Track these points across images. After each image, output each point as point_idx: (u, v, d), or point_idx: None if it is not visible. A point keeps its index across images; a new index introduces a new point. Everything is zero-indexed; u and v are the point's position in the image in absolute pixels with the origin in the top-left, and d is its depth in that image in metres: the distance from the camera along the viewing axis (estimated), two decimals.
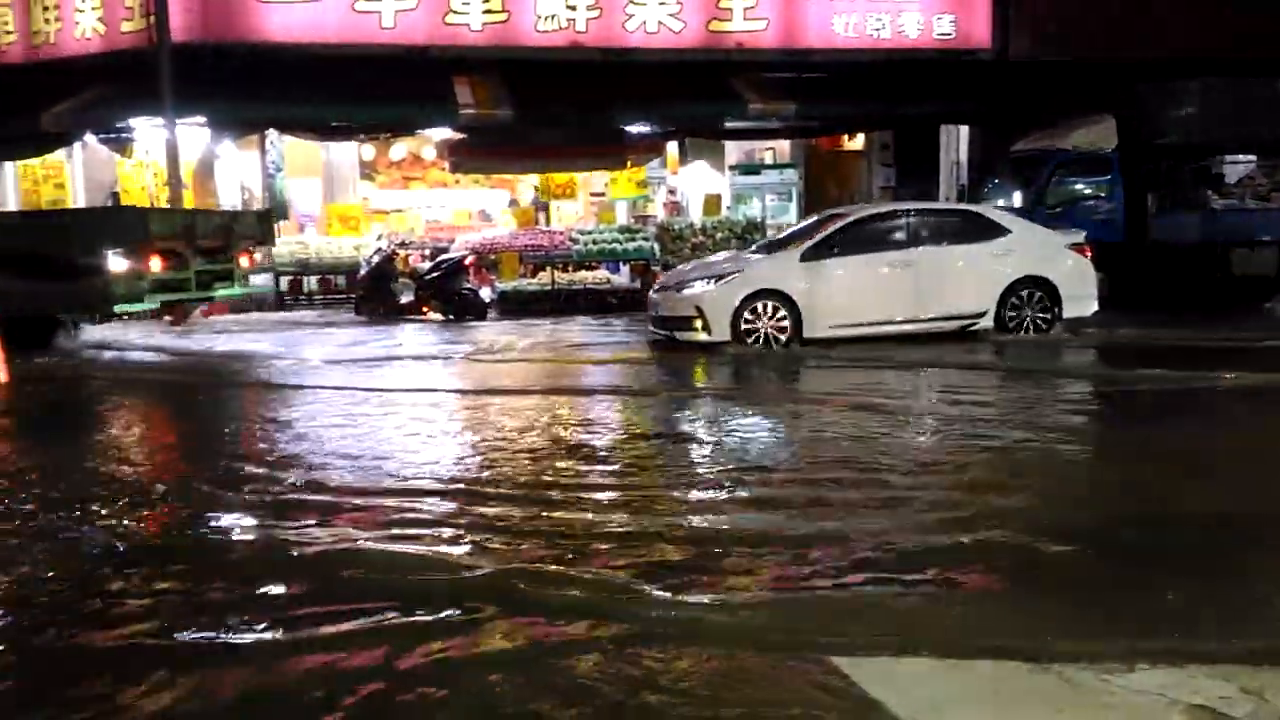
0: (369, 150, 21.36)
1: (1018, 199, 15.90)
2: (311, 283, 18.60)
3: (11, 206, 20.19)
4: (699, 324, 11.00)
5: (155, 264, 11.52)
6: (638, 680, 3.12)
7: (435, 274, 16.11)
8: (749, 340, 10.85)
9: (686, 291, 11.28)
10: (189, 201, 16.91)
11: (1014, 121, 17.90)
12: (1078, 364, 10.33)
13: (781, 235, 12.93)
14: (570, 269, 18.10)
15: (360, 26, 16.38)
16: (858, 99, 17.89)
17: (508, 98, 16.74)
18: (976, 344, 11.11)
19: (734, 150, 20.99)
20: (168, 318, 15.41)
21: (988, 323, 11.33)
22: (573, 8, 16.77)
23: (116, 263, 11.24)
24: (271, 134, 18.13)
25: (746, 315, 10.86)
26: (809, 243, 11.28)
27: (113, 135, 17.68)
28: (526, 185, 22.28)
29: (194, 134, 17.03)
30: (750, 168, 20.56)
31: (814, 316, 10.91)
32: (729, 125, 18.68)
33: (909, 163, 20.18)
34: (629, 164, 19.26)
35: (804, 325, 10.89)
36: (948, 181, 19.41)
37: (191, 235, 12.25)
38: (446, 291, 15.92)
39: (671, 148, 19.69)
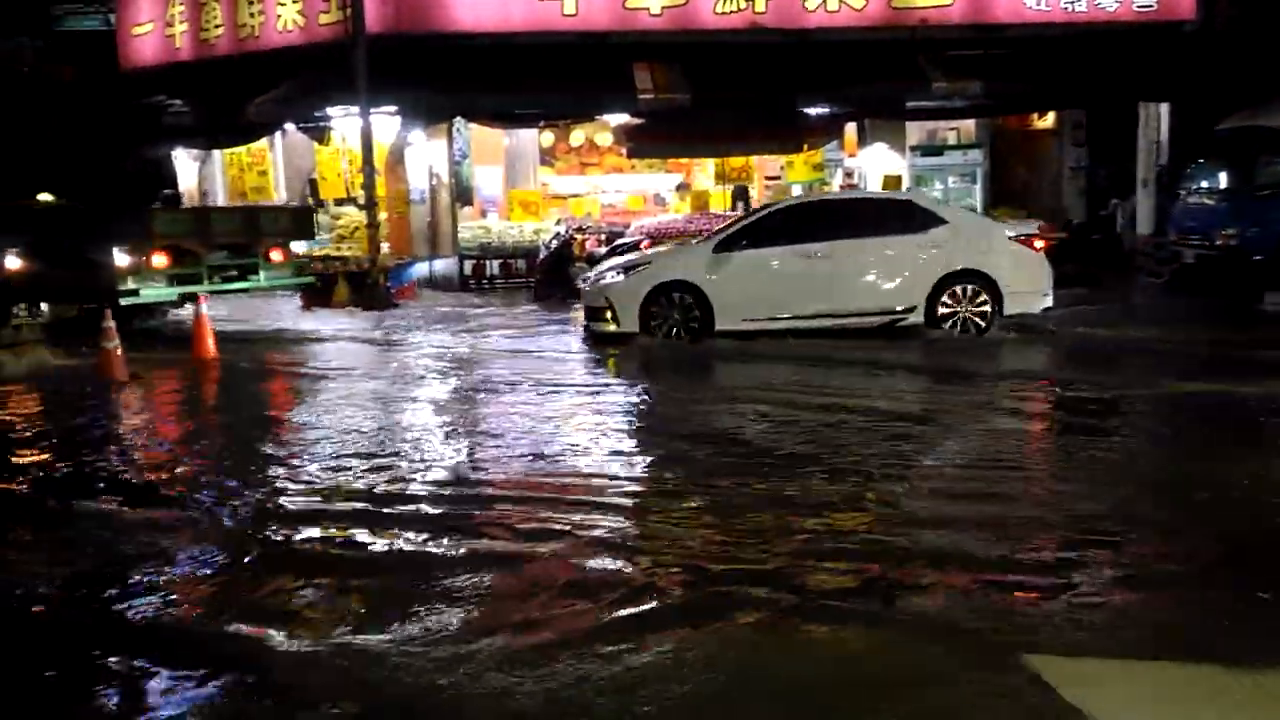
0: (549, 137, 21.82)
1: (1223, 180, 14.94)
2: (493, 266, 19.11)
3: (220, 193, 21.54)
4: (609, 315, 10.93)
5: (160, 259, 12.51)
6: (830, 677, 3.12)
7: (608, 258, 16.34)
8: (658, 332, 10.67)
9: (600, 283, 11.29)
10: (381, 188, 17.63)
11: (1219, 98, 16.79)
12: (972, 364, 9.26)
13: (721, 226, 12.26)
14: None
15: (543, 15, 16.70)
16: (1048, 75, 17.17)
17: (685, 82, 16.79)
18: (894, 340, 10.40)
19: (915, 130, 20.43)
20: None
21: (918, 318, 10.61)
22: None
23: (120, 257, 12.35)
24: (458, 122, 18.71)
25: (655, 307, 10.68)
26: (723, 234, 11.02)
27: (311, 124, 18.58)
28: (701, 169, 22.31)
29: (386, 122, 17.71)
30: (932, 148, 20.01)
31: (725, 309, 10.61)
32: (911, 105, 18.22)
33: (1103, 142, 19.24)
34: (806, 146, 19.04)
35: (715, 318, 10.61)
36: (1145, 163, 18.40)
37: (206, 233, 13.20)
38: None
39: (850, 129, 19.36)
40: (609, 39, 16.80)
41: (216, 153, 21.12)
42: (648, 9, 16.69)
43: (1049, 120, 20.38)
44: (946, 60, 16.98)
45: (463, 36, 16.72)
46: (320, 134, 18.88)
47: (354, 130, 17.49)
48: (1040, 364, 9.69)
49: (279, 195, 21.77)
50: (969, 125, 20.21)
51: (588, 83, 16.80)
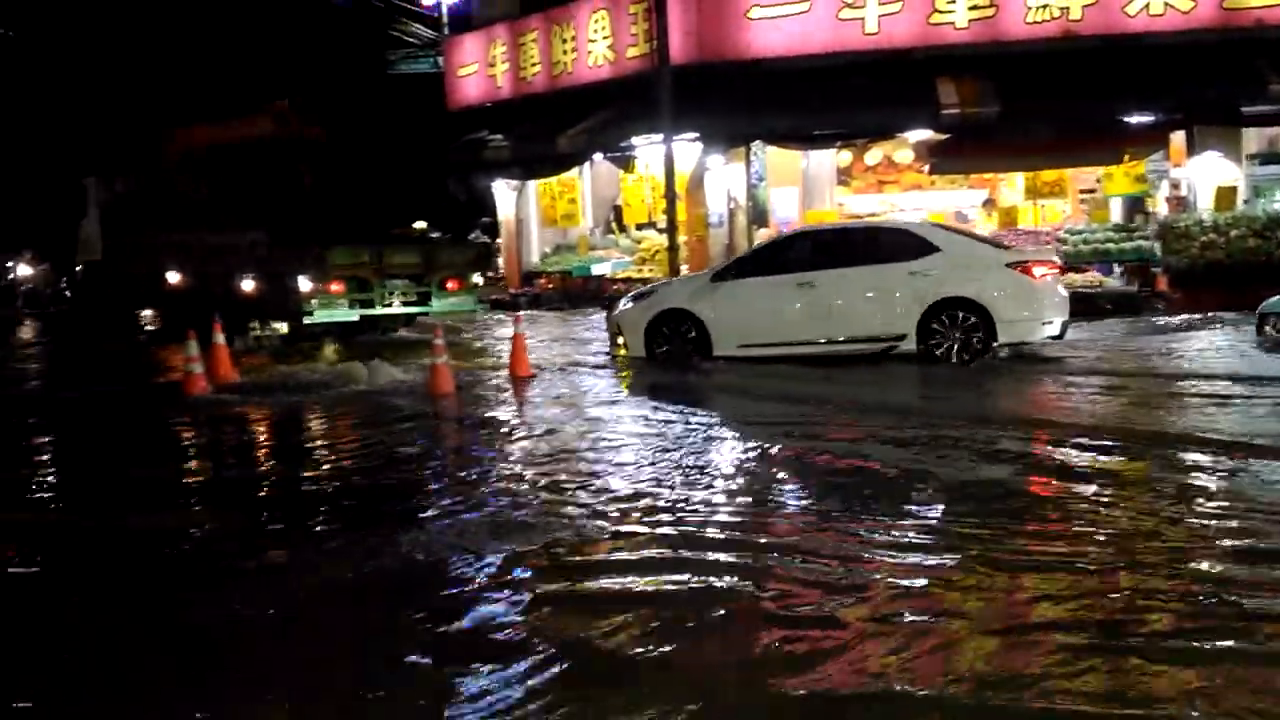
0: (845, 156, 21.65)
1: None
2: None
3: (533, 221, 22.87)
4: (620, 340, 11.64)
5: (336, 287, 15.02)
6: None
7: None
8: (661, 357, 11.13)
9: (615, 310, 12.11)
10: (681, 212, 18.16)
11: None
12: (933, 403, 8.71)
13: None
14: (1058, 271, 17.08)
15: (843, 35, 16.68)
16: None
17: (993, 94, 16.23)
18: (874, 368, 10.25)
19: (1253, 138, 18.68)
20: None
21: (909, 346, 10.43)
22: None
23: (304, 284, 15.07)
24: (756, 145, 18.97)
25: (662, 332, 11.17)
26: (722, 265, 11.56)
27: (617, 153, 19.43)
28: (1008, 184, 21.39)
29: (687, 149, 18.24)
30: (1273, 156, 18.20)
31: (722, 336, 10.91)
32: (1247, 111, 16.70)
33: None
34: (1126, 157, 17.82)
35: (712, 344, 10.93)
36: None
37: (380, 265, 15.38)
38: None
39: (1176, 138, 17.95)
40: (911, 55, 16.54)
41: (531, 183, 22.48)
42: (952, 23, 16.30)
43: None
44: None
45: (761, 62, 16.98)
46: (625, 162, 19.70)
47: (657, 158, 18.13)
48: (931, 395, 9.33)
49: (585, 222, 22.90)
50: None
51: (888, 100, 16.60)
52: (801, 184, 21.61)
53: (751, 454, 6.57)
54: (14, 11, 36.47)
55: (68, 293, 25.81)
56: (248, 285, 16.16)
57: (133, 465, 7.23)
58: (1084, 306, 16.18)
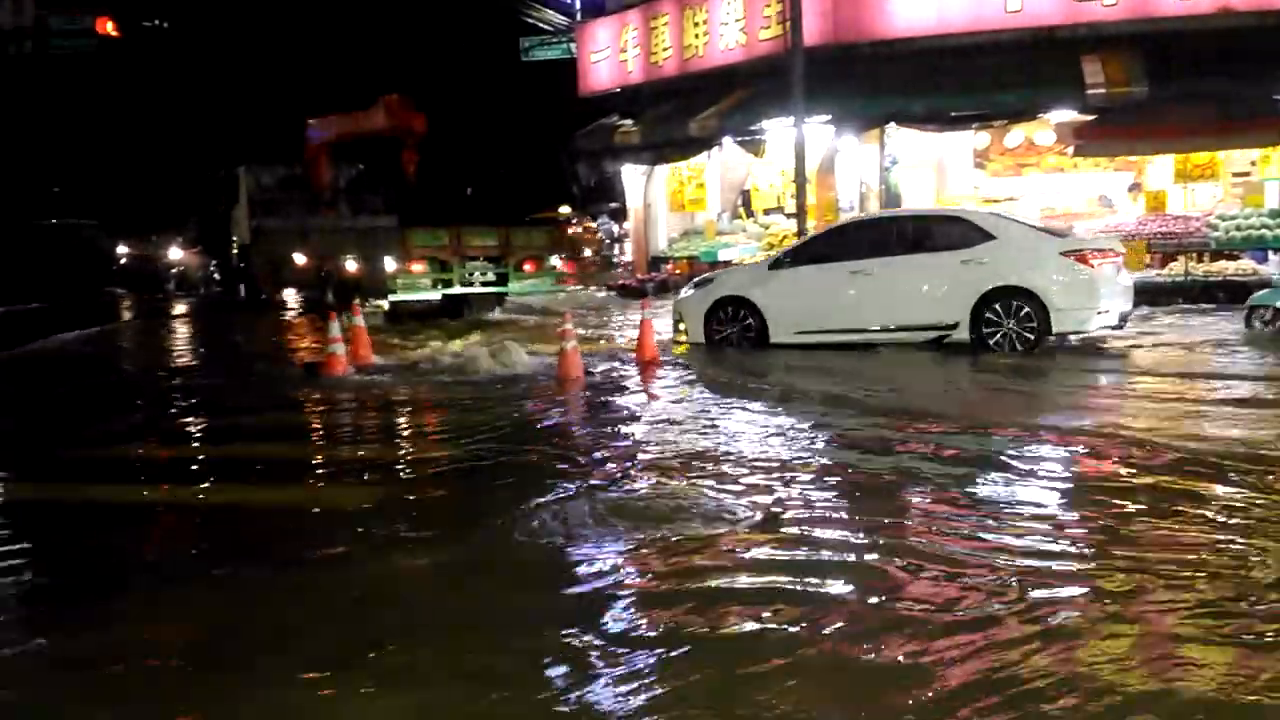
0: (983, 138, 21.06)
1: None
2: None
3: (661, 205, 22.92)
4: (681, 326, 11.89)
5: (418, 267, 16.10)
6: None
7: None
8: (720, 343, 11.34)
9: (678, 297, 12.44)
10: (811, 197, 17.96)
11: None
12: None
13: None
14: (1207, 258, 16.34)
15: (984, 13, 16.23)
16: None
17: (1142, 74, 15.59)
18: (925, 354, 10.38)
19: None
20: None
21: (962, 334, 10.42)
22: None
23: (389, 264, 16.42)
24: (889, 128, 18.60)
25: (719, 319, 11.38)
26: (780, 252, 11.80)
27: (747, 137, 19.31)
28: (1155, 167, 20.51)
29: (819, 132, 18.01)
30: None
31: (779, 323, 11.06)
32: None
33: None
34: None
35: (770, 330, 11.10)
36: None
37: (458, 247, 16.36)
38: None
39: None
40: (1056, 33, 15.98)
41: (659, 168, 22.53)
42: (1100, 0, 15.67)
43: None
44: None
45: (897, 42, 16.64)
46: (755, 146, 19.55)
47: (787, 141, 17.95)
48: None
49: (713, 207, 22.84)
50: None
51: (1030, 80, 16.10)
52: (936, 166, 21.15)
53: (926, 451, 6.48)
54: (171, 7, 38.29)
55: (216, 276, 27.03)
56: (351, 266, 17.71)
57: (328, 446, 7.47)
58: (1236, 294, 15.50)
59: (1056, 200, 21.38)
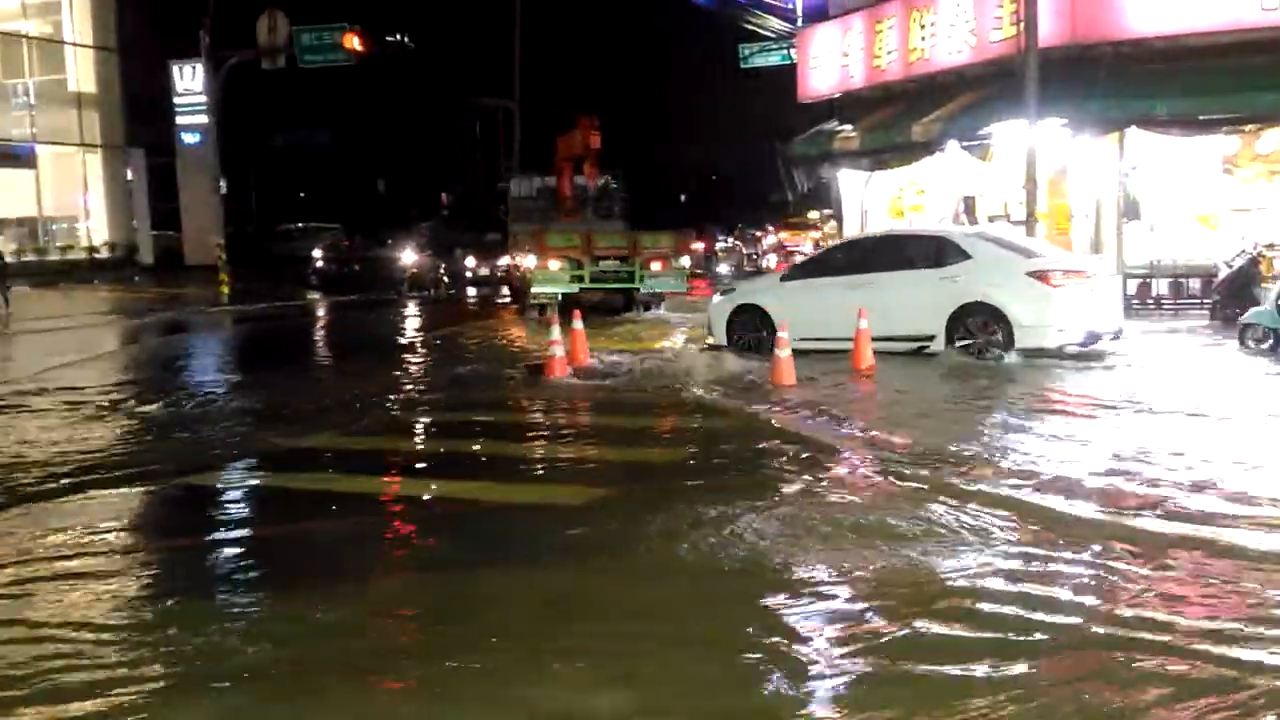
0: (1232, 143, 19.60)
1: None
2: (1161, 286, 17.68)
3: (882, 210, 22.53)
4: (709, 330, 13.34)
5: (553, 264, 17.74)
6: None
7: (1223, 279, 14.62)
8: (738, 346, 12.62)
9: (710, 302, 13.81)
10: (1045, 203, 17.21)
11: None
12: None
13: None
14: None
15: (1237, 10, 15.16)
16: None
17: None
18: (901, 362, 11.23)
19: None
20: None
21: (939, 346, 11.38)
22: None
23: (530, 261, 18.42)
24: (1130, 131, 17.59)
25: (738, 324, 12.73)
26: (790, 266, 13.14)
27: (974, 141, 18.67)
28: None
29: (1051, 135, 17.23)
30: None
31: (785, 329, 11.32)
32: None
33: None
34: None
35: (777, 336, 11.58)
36: None
37: (588, 247, 17.90)
38: (1228, 300, 14.30)
39: None
40: None
41: (878, 173, 22.11)
42: None
43: None
44: None
45: (1141, 42, 15.77)
46: (982, 151, 18.88)
47: (1017, 146, 17.26)
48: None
49: (932, 213, 22.21)
50: None
51: None
52: (1180, 174, 19.85)
53: None
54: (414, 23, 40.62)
55: (445, 278, 28.39)
56: (503, 262, 20.70)
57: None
58: None
59: None
